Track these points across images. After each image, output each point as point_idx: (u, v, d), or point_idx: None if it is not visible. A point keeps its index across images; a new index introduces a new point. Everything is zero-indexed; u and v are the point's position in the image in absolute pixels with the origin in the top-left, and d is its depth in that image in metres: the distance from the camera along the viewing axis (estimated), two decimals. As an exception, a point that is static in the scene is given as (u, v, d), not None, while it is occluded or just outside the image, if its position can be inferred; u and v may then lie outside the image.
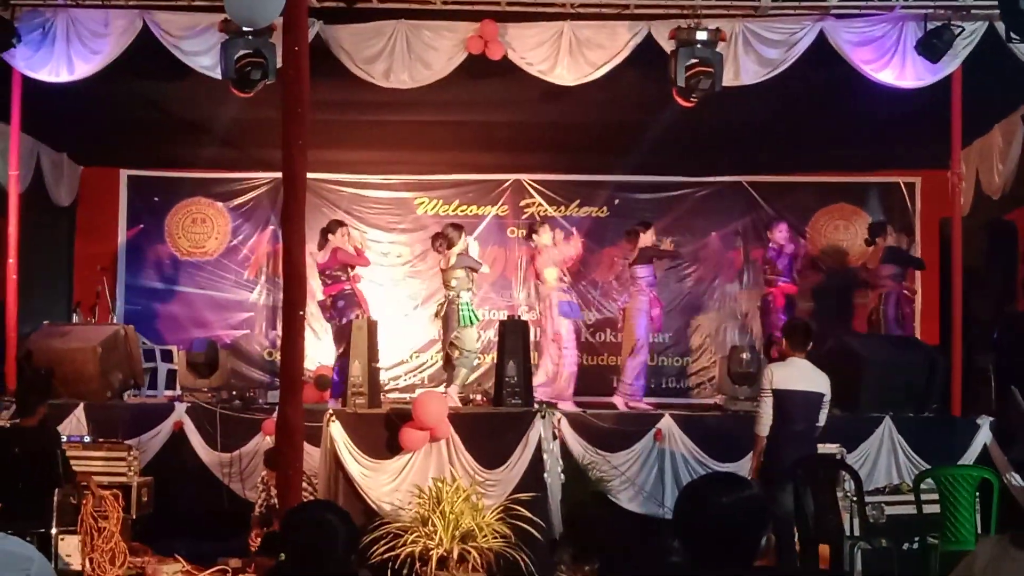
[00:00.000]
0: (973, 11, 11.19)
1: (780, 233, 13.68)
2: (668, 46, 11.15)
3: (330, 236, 12.75)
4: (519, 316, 12.86)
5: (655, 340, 14.40)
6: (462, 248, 11.92)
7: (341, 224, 13.14)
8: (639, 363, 12.97)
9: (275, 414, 9.54)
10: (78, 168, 15.76)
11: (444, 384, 12.28)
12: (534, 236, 13.21)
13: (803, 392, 9.18)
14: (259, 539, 10.30)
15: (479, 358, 12.80)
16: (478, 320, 12.00)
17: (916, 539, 9.17)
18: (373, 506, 10.22)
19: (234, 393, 12.68)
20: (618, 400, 12.87)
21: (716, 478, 3.87)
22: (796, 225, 15.58)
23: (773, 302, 13.52)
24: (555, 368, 12.89)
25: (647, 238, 13.25)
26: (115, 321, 14.63)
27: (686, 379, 15.74)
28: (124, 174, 16.09)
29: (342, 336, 12.18)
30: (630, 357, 13.02)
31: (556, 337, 12.89)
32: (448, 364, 11.99)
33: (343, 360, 11.76)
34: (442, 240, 12.05)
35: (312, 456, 10.34)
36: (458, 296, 11.73)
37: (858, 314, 14.85)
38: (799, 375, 9.23)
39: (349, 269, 12.77)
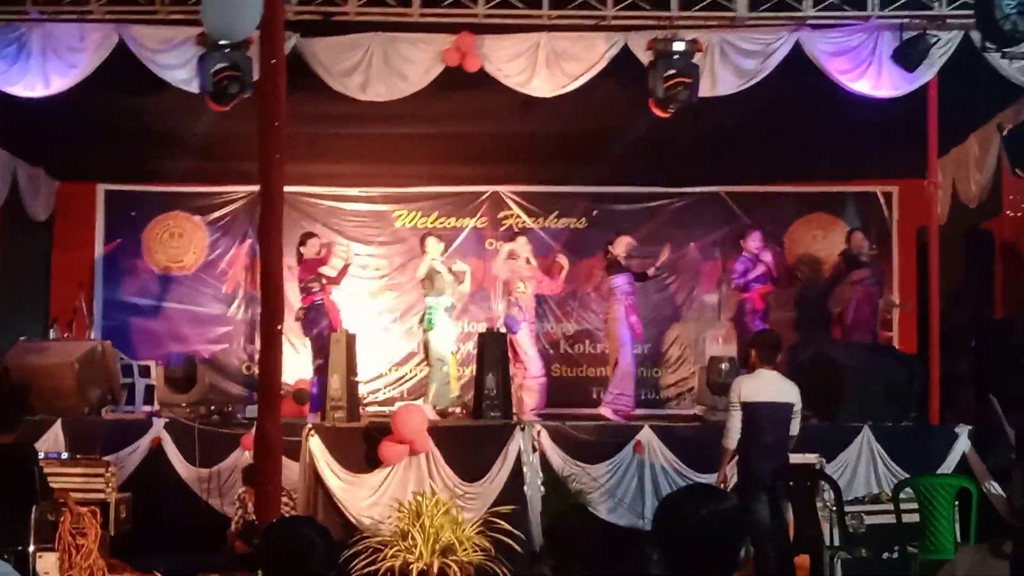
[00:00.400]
0: (948, 21, 11.25)
1: (754, 242, 13.62)
2: (645, 57, 11.14)
3: (301, 249, 13.01)
4: (498, 329, 12.81)
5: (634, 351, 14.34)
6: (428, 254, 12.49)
7: (311, 236, 13.37)
8: (623, 372, 12.94)
9: (254, 429, 9.51)
10: (54, 182, 15.62)
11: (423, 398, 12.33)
12: (512, 249, 13.26)
13: (772, 404, 9.21)
14: (240, 549, 10.27)
15: (447, 367, 12.72)
16: (431, 325, 12.42)
17: (896, 548, 9.18)
18: (353, 520, 10.19)
19: (212, 408, 12.62)
20: (605, 411, 12.83)
21: (695, 489, 3.90)
22: (774, 234, 15.59)
23: (753, 305, 13.44)
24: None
25: (617, 248, 13.26)
26: (92, 336, 14.58)
27: (665, 390, 15.70)
28: (101, 188, 15.98)
29: (319, 349, 12.24)
30: (615, 367, 13.02)
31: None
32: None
33: (321, 373, 11.77)
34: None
35: (291, 470, 10.28)
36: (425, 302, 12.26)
37: (835, 323, 14.83)
38: (767, 387, 9.25)
39: (323, 280, 12.86)
